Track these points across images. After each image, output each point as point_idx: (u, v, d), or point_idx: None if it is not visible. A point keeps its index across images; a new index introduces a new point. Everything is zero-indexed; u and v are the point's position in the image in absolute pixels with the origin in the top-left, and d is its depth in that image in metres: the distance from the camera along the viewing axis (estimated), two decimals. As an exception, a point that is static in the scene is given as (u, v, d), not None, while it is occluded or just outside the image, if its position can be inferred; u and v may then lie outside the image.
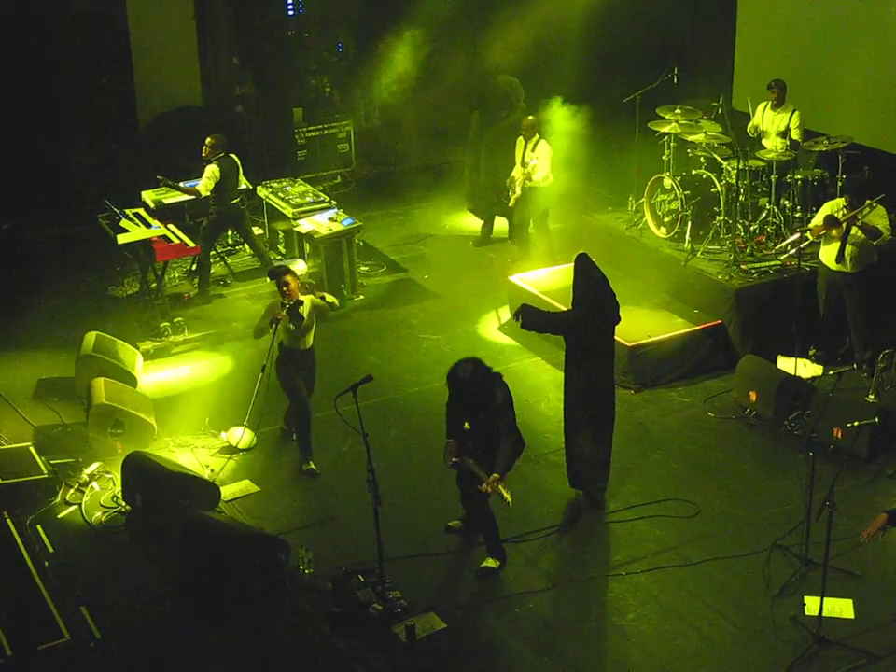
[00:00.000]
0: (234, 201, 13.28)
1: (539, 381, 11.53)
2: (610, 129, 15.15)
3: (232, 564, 8.33)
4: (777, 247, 12.20)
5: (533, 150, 13.52)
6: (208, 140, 13.26)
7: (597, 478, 9.60)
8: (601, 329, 9.36)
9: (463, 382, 8.52)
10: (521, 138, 13.68)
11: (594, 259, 9.50)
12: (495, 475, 8.45)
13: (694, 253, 12.31)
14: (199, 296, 13.44)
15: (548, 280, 12.83)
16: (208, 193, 13.21)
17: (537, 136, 13.56)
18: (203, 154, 13.26)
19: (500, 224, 14.97)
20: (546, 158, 13.49)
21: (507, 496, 8.42)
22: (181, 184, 14.12)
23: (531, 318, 9.47)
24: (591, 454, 9.49)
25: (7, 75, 15.13)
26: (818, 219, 11.26)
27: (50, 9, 15.44)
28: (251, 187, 14.38)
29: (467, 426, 8.66)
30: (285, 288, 9.86)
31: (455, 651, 7.97)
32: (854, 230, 10.84)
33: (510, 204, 13.95)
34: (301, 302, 9.90)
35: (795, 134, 12.66)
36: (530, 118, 13.64)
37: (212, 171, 13.13)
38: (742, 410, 10.88)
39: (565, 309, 10.96)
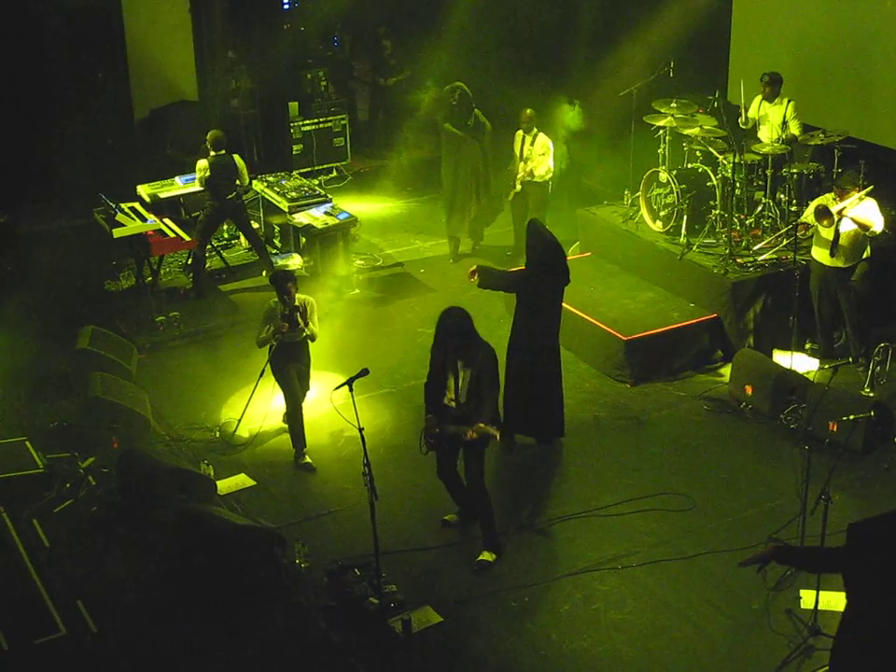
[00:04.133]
0: (229, 196, 13.24)
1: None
2: (606, 123, 15.16)
3: (228, 558, 8.34)
4: (766, 242, 12.17)
5: (532, 144, 13.49)
6: (211, 135, 13.22)
7: (550, 423, 10.24)
8: (552, 288, 9.96)
9: (449, 326, 8.52)
10: (519, 132, 13.63)
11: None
12: (479, 424, 8.35)
13: (690, 247, 12.30)
14: (193, 290, 13.42)
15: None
16: (202, 186, 13.24)
17: (535, 129, 13.52)
18: (205, 147, 13.28)
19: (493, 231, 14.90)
20: (549, 152, 13.47)
21: (493, 431, 8.33)
22: (176, 179, 14.13)
23: (487, 278, 10.10)
24: (542, 401, 10.12)
25: (2, 69, 15.10)
26: (807, 215, 11.26)
27: (45, 4, 15.41)
28: (247, 180, 14.37)
29: (450, 394, 8.63)
30: (286, 296, 9.86)
31: (451, 644, 7.98)
32: (845, 222, 10.83)
33: (508, 199, 13.92)
34: (299, 308, 9.90)
35: (794, 127, 12.62)
36: (528, 111, 13.58)
37: (199, 166, 13.16)
38: (738, 404, 10.89)
39: (564, 304, 11.17)
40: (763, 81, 12.81)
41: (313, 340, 10.15)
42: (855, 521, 5.63)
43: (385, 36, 18.54)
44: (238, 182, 13.26)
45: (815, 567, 6.40)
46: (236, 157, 13.27)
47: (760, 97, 12.99)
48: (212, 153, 13.08)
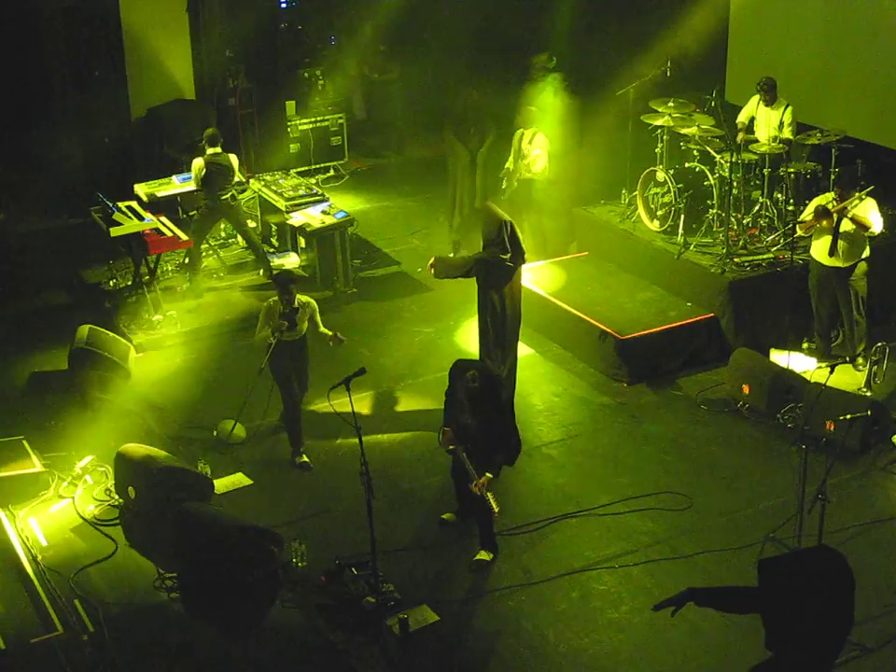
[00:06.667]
0: (224, 197, 13.20)
1: (531, 374, 11.52)
2: (604, 121, 15.14)
3: (226, 557, 8.32)
4: (770, 238, 12.21)
5: (531, 142, 13.49)
6: (209, 132, 13.22)
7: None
8: (507, 267, 10.12)
9: (472, 389, 8.60)
10: (519, 129, 13.63)
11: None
12: (487, 475, 8.50)
13: (687, 246, 12.31)
14: (189, 289, 13.40)
15: (544, 275, 12.85)
16: (198, 186, 13.18)
17: (535, 128, 13.53)
18: (200, 143, 13.25)
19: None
20: (544, 149, 13.48)
21: (494, 504, 8.45)
22: (174, 178, 14.11)
23: (444, 267, 10.32)
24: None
25: (-1, 67, 15.14)
26: (807, 214, 11.27)
27: (43, 2, 15.40)
28: (244, 179, 14.35)
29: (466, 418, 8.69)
30: (287, 297, 9.89)
31: (448, 643, 7.98)
32: (845, 221, 10.85)
33: (503, 197, 13.92)
34: (298, 310, 9.92)
35: (787, 132, 12.64)
36: (530, 108, 13.59)
37: (195, 165, 13.06)
38: (735, 403, 10.89)
39: (558, 301, 12.05)
40: (760, 89, 12.79)
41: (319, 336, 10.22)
42: (763, 558, 5.54)
43: (376, 40, 18.56)
44: (234, 180, 13.25)
45: (733, 608, 6.25)
46: (231, 156, 13.25)
47: (757, 99, 12.98)
48: (208, 151, 13.05)
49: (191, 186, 13.50)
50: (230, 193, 13.25)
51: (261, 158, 16.64)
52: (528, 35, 17.62)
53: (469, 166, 14.13)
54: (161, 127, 16.29)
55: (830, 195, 11.14)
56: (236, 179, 13.64)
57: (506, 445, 8.81)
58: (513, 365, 10.57)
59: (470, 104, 14.03)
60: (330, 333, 10.13)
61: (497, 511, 8.49)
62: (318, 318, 10.19)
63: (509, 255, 10.11)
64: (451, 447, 8.68)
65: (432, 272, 10.37)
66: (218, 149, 13.06)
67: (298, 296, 10.00)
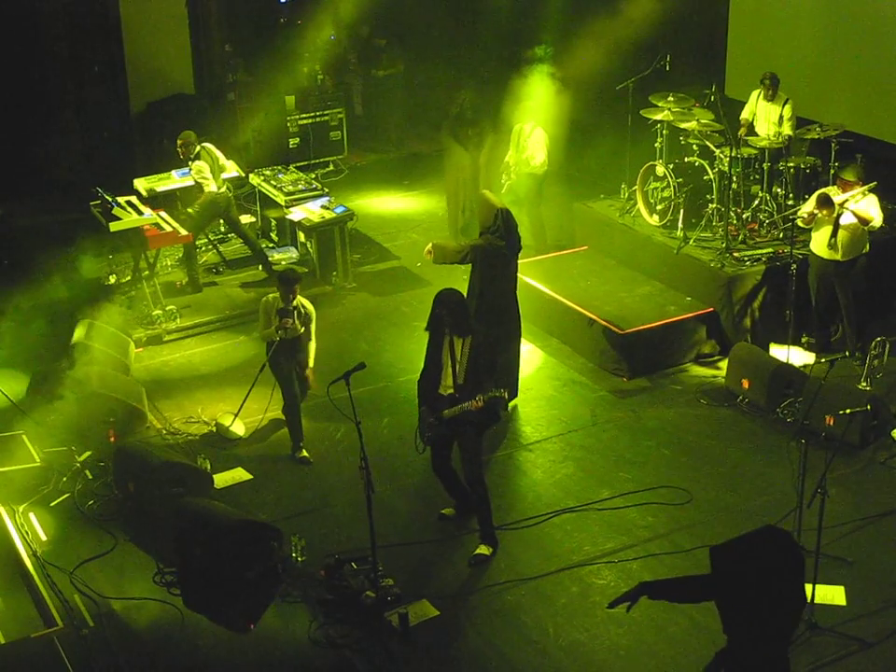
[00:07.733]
0: (221, 189, 13.20)
1: (530, 368, 11.53)
2: (603, 116, 15.15)
3: (225, 552, 8.33)
4: (768, 223, 12.24)
5: (529, 137, 13.49)
6: (180, 141, 13.11)
7: (508, 384, 10.29)
8: (503, 254, 10.34)
9: (447, 303, 8.58)
10: (518, 125, 13.62)
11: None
12: (480, 396, 8.37)
13: (687, 241, 12.31)
14: (190, 284, 13.39)
15: (543, 269, 12.85)
16: (215, 188, 13.05)
17: (534, 123, 13.52)
18: (182, 156, 13.15)
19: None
20: (543, 143, 13.48)
21: (500, 393, 8.42)
22: (173, 173, 14.10)
23: (441, 253, 10.53)
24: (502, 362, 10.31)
25: (-1, 62, 15.13)
26: (807, 206, 11.26)
27: (42, -1, 15.44)
28: (243, 174, 14.34)
29: (447, 381, 8.64)
30: (291, 296, 9.93)
31: (447, 638, 7.99)
32: (846, 214, 10.83)
33: (502, 192, 13.91)
34: (296, 309, 9.97)
35: (787, 127, 12.65)
36: (529, 103, 13.59)
37: (199, 168, 12.99)
38: (734, 397, 10.89)
39: (557, 296, 12.08)
40: (763, 84, 12.81)
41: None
42: (714, 544, 5.54)
43: (374, 35, 18.56)
44: (221, 163, 13.25)
45: (687, 597, 6.22)
46: (210, 145, 13.23)
47: (756, 93, 12.99)
48: (198, 147, 13.01)
49: (217, 187, 13.28)
50: (225, 185, 13.26)
51: (261, 152, 16.62)
52: (523, 29, 17.65)
53: (468, 168, 14.09)
54: (160, 122, 16.28)
55: (833, 188, 11.13)
56: (233, 172, 13.66)
57: (490, 372, 8.65)
58: (515, 356, 10.67)
59: (466, 106, 13.99)
60: (310, 366, 10.21)
61: (506, 398, 8.53)
62: (313, 328, 10.22)
63: (504, 243, 10.22)
64: (431, 421, 8.61)
65: (429, 257, 10.54)
66: (198, 150, 13.04)
67: (298, 297, 10.04)
